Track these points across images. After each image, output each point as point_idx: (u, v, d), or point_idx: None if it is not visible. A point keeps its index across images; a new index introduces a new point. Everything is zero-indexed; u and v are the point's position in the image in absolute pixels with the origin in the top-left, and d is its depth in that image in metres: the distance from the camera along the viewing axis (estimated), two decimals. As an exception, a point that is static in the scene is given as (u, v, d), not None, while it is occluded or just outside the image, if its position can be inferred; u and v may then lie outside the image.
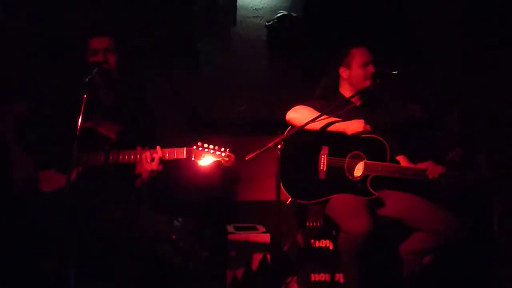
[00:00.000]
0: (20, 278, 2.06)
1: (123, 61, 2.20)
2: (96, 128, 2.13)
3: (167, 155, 2.01)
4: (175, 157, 2.02)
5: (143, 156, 2.01)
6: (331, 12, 3.16)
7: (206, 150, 2.01)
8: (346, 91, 2.37)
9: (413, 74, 2.95)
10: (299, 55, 3.17)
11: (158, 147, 2.02)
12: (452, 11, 3.16)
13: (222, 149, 2.03)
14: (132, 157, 2.04)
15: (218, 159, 2.02)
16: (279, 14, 3.18)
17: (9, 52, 2.83)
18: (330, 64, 2.41)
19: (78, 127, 1.83)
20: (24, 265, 2.03)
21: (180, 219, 2.65)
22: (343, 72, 2.34)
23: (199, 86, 3.14)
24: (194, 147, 2.01)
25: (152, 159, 2.00)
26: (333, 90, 2.39)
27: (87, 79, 1.95)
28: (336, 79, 2.39)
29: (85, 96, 1.88)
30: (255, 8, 3.22)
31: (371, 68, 2.27)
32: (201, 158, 2.01)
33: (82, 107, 1.86)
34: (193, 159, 2.01)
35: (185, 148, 2.01)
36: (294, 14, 3.18)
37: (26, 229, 2.01)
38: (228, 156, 2.03)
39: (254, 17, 3.22)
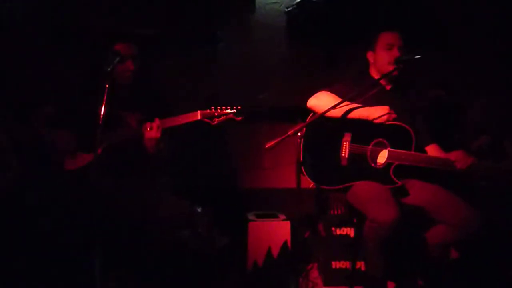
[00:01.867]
0: (45, 254, 2.14)
1: (143, 55, 2.29)
2: (121, 114, 2.22)
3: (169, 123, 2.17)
4: (190, 119, 2.18)
5: (144, 125, 2.16)
6: (352, -4, 3.10)
7: (218, 109, 2.18)
8: (375, 75, 2.33)
9: (438, 59, 2.87)
10: (319, 41, 3.12)
11: (156, 119, 2.17)
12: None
13: (234, 107, 2.19)
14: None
15: (229, 116, 2.17)
16: (298, 0, 3.13)
17: (29, 49, 2.89)
18: (359, 49, 2.37)
19: (101, 116, 1.89)
20: (47, 242, 2.12)
21: (200, 207, 2.68)
22: (370, 56, 2.31)
23: (218, 74, 3.13)
24: (208, 110, 2.18)
25: (151, 128, 2.15)
26: (363, 73, 2.36)
27: (108, 69, 1.99)
28: (366, 63, 2.36)
29: (107, 85, 1.92)
30: (275, -6, 3.18)
31: (395, 52, 2.20)
32: (215, 117, 2.17)
33: (105, 96, 1.91)
34: (206, 120, 2.17)
35: (199, 111, 2.18)
36: (314, -1, 3.13)
37: (50, 206, 2.12)
38: (238, 110, 2.17)
39: (273, 3, 3.18)
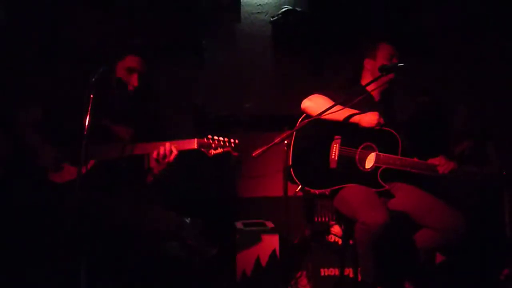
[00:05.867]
0: (30, 267, 2.10)
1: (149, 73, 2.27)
2: (110, 127, 2.18)
3: (175, 149, 2.10)
4: (186, 147, 2.11)
5: (155, 151, 2.09)
6: (335, 5, 3.14)
7: (216, 141, 2.11)
8: (366, 82, 2.35)
9: (421, 67, 2.92)
10: (304, 50, 3.16)
11: (167, 143, 2.10)
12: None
13: (231, 140, 2.13)
14: (145, 149, 2.13)
15: (227, 149, 2.11)
16: (283, 9, 3.17)
17: (20, 55, 2.86)
18: (353, 56, 2.40)
19: (86, 126, 1.87)
20: (34, 254, 2.08)
21: (189, 218, 2.66)
22: (368, 63, 2.34)
23: (204, 84, 3.14)
24: (205, 139, 2.11)
25: (164, 156, 2.08)
26: (353, 81, 2.39)
27: (93, 79, 1.97)
28: (358, 71, 2.39)
29: (92, 96, 1.90)
30: (260, 4, 3.22)
31: (395, 62, 2.27)
32: (211, 149, 2.11)
33: (90, 107, 1.89)
34: (203, 149, 2.11)
35: (196, 139, 2.10)
36: (298, 9, 3.17)
37: (37, 218, 2.07)
38: (236, 145, 2.12)
39: (258, 13, 3.22)
